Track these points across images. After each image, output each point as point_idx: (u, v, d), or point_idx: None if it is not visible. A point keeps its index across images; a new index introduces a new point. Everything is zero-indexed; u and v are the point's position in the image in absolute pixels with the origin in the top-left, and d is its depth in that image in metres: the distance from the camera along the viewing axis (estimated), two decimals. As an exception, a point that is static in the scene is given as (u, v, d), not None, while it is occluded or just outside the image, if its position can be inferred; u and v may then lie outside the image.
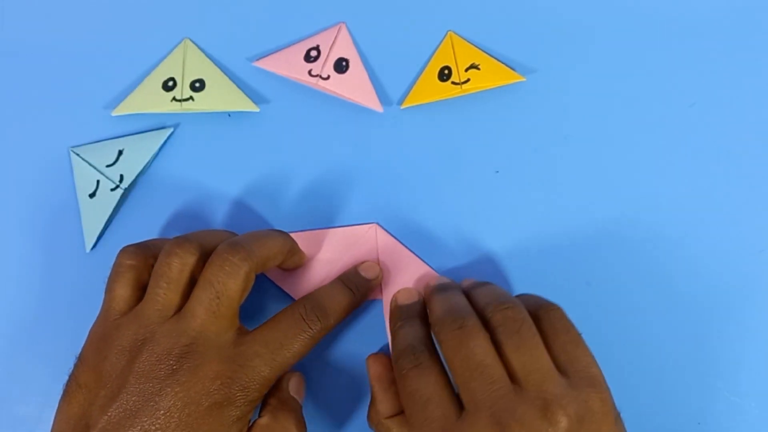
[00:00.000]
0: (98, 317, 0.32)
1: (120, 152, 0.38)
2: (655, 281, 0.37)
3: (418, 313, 0.34)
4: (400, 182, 0.38)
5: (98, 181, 0.37)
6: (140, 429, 0.28)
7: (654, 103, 0.39)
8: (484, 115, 0.39)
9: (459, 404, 0.29)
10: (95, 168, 0.38)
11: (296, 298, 0.35)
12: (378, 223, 0.37)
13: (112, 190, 0.37)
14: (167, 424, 0.28)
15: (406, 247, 0.37)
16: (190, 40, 0.39)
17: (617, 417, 0.29)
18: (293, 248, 0.34)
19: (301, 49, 0.39)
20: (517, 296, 0.33)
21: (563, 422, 0.27)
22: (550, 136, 0.38)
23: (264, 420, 0.31)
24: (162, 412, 0.28)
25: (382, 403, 0.32)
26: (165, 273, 0.31)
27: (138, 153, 0.38)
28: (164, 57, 0.39)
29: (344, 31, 0.39)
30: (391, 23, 0.39)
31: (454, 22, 0.39)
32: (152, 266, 0.32)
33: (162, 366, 0.29)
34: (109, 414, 0.28)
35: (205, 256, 0.31)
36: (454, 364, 0.29)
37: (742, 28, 0.39)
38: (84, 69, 0.39)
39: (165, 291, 0.30)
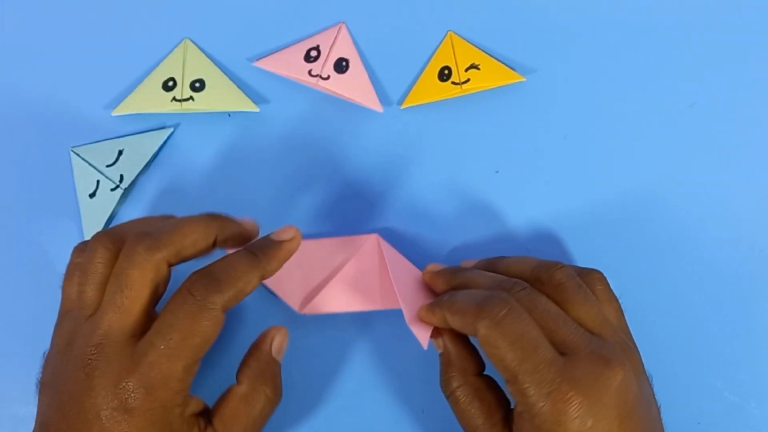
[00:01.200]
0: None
1: (120, 152, 0.38)
2: (655, 281, 0.37)
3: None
4: (400, 182, 0.38)
5: (98, 181, 0.37)
6: None
7: (654, 103, 0.39)
8: (484, 115, 0.39)
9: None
10: (95, 168, 0.38)
11: (295, 308, 0.35)
12: (378, 233, 0.36)
13: (112, 190, 0.37)
14: None
15: (405, 257, 0.36)
16: (190, 40, 0.39)
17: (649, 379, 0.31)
18: (225, 231, 0.31)
19: (301, 49, 0.39)
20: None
21: (631, 368, 0.28)
22: (550, 136, 0.38)
23: (242, 389, 0.29)
24: (82, 424, 0.27)
25: (470, 360, 0.31)
26: (84, 268, 0.30)
27: (138, 153, 0.38)
28: (164, 57, 0.39)
29: (344, 31, 0.39)
30: (391, 23, 0.39)
31: (454, 22, 0.39)
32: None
33: (79, 371, 0.28)
34: (46, 420, 0.28)
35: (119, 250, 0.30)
36: (533, 318, 0.29)
37: (743, 28, 0.39)
38: (84, 69, 0.39)
39: (82, 287, 0.29)
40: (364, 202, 0.38)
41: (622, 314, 0.32)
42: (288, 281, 0.36)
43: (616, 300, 0.32)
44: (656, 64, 0.39)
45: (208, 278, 0.28)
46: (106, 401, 0.27)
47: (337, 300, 0.35)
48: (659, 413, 0.30)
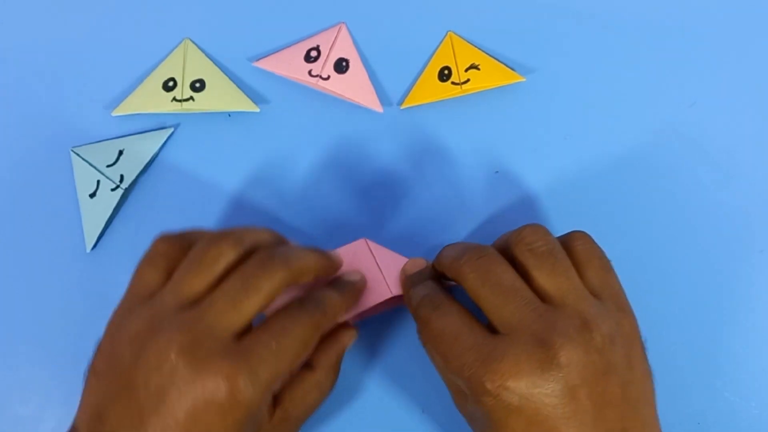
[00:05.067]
0: (119, 303, 0.31)
1: (120, 152, 0.38)
2: (655, 282, 0.37)
3: (429, 276, 0.34)
4: (400, 182, 0.38)
5: (98, 181, 0.38)
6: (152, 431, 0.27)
7: (654, 103, 0.39)
8: (484, 115, 0.39)
9: (490, 332, 0.29)
10: (95, 168, 0.38)
11: None
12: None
13: (113, 190, 0.37)
14: (173, 427, 0.27)
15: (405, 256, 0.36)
16: (190, 40, 0.39)
17: (643, 343, 0.30)
18: (328, 269, 0.33)
19: (301, 49, 0.39)
20: None
21: (598, 339, 0.27)
22: (550, 136, 0.38)
23: (318, 375, 0.31)
24: (168, 412, 0.27)
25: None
26: (198, 259, 0.29)
27: (138, 153, 0.38)
28: (164, 57, 0.39)
29: (344, 31, 0.39)
30: (391, 23, 0.39)
31: (454, 22, 0.39)
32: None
33: (166, 361, 0.27)
34: (117, 409, 0.27)
35: (244, 255, 0.30)
36: (483, 293, 0.29)
37: (742, 28, 0.39)
38: (84, 69, 0.39)
39: (192, 277, 0.29)
40: (363, 201, 0.38)
41: (609, 270, 0.31)
42: None
43: (601, 256, 0.31)
44: (656, 63, 0.39)
45: (319, 302, 0.30)
46: (205, 390, 0.27)
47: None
48: (644, 377, 0.29)
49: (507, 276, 0.29)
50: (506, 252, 0.31)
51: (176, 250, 0.31)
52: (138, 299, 0.30)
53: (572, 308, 0.28)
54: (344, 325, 0.34)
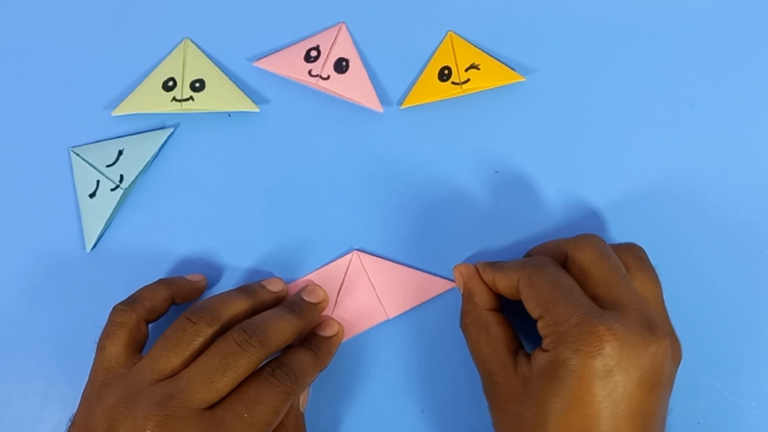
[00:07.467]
0: (88, 377, 0.32)
1: (120, 152, 0.38)
2: (655, 281, 0.37)
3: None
4: (400, 182, 0.38)
5: (98, 181, 0.37)
6: None
7: (654, 103, 0.39)
8: (484, 115, 0.39)
9: None
10: (95, 168, 0.38)
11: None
12: (357, 249, 0.37)
13: (113, 190, 0.37)
14: None
15: (391, 260, 0.37)
16: (190, 40, 0.39)
17: None
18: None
19: (301, 49, 0.39)
20: None
21: (679, 356, 0.30)
22: (550, 136, 0.38)
23: None
24: None
25: (480, 296, 0.33)
26: (176, 337, 0.31)
27: (138, 153, 0.38)
28: (164, 57, 0.39)
29: (344, 31, 0.39)
30: (391, 23, 0.39)
31: (454, 22, 0.39)
32: (145, 322, 0.33)
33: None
34: None
35: (220, 331, 0.31)
36: (601, 267, 0.30)
37: (742, 28, 0.39)
38: (84, 69, 0.39)
39: (169, 353, 0.30)
40: (363, 201, 0.38)
41: (658, 288, 0.32)
42: None
43: (653, 272, 0.33)
44: (656, 64, 0.39)
45: (290, 371, 0.31)
46: None
47: (347, 328, 0.36)
48: (666, 413, 0.30)
49: (620, 263, 0.31)
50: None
51: (132, 318, 0.32)
52: (105, 372, 0.31)
53: (663, 319, 0.31)
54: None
